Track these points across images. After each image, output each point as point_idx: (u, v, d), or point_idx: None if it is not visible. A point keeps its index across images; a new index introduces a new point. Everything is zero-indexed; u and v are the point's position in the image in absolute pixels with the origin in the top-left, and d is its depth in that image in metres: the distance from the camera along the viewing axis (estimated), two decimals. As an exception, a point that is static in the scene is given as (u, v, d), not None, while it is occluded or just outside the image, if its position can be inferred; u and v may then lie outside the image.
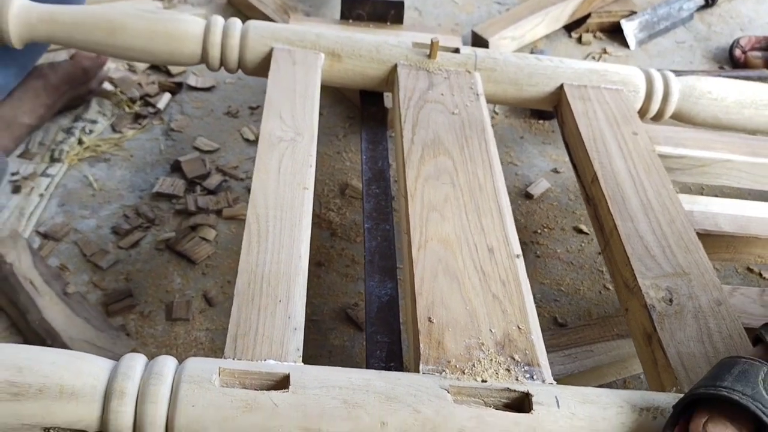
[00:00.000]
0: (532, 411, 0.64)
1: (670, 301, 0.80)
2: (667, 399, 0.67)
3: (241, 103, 1.38)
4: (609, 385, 0.94)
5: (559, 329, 0.98)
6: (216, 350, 0.95)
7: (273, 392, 0.61)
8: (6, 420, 0.57)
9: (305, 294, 0.75)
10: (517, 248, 0.83)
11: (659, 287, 0.82)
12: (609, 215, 0.91)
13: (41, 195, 1.16)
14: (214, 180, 1.20)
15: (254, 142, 1.28)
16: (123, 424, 0.59)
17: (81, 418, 0.59)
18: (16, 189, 1.16)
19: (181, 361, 0.63)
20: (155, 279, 1.04)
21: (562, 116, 1.11)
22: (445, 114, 1.02)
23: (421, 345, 0.70)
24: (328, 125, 1.33)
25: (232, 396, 0.60)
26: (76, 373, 0.60)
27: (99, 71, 1.32)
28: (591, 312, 1.03)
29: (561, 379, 0.89)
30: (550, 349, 0.93)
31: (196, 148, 1.26)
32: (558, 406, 0.65)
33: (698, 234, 0.91)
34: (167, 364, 0.62)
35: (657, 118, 1.15)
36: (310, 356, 0.94)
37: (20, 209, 1.13)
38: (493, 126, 1.07)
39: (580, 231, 1.16)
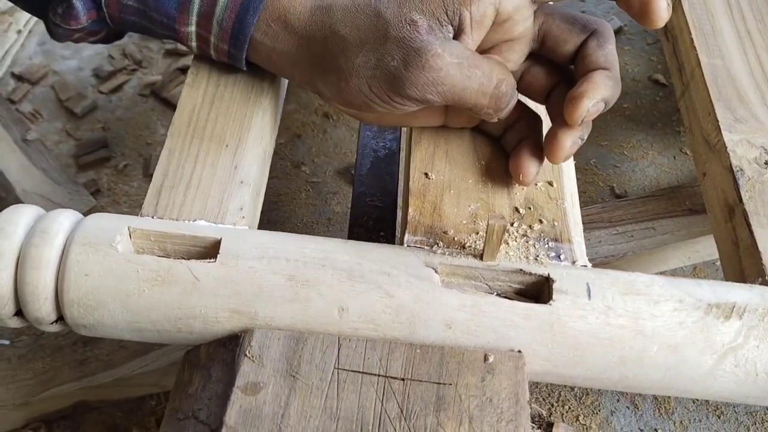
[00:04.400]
0: (551, 301, 0.46)
1: (767, 163, 0.59)
2: (748, 294, 0.48)
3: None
4: (674, 273, 0.74)
5: (614, 201, 0.78)
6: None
7: (195, 261, 0.46)
8: None
9: (269, 140, 0.57)
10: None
11: (752, 144, 0.60)
12: (692, 50, 0.68)
13: (19, 32, 1.01)
14: (213, 16, 1.01)
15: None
16: (-1, 293, 0.45)
17: (-55, 284, 0.45)
18: (-7, 25, 1.02)
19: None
20: (135, 129, 0.89)
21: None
22: None
23: (410, 208, 0.52)
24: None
25: (139, 264, 0.45)
26: (-60, 227, 0.46)
27: None
28: (660, 182, 0.82)
29: (610, 263, 0.70)
30: (599, 224, 0.74)
31: (197, -20, 1.07)
32: (589, 296, 0.47)
33: (815, 78, 0.67)
34: (58, 220, 0.47)
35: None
36: (306, 224, 0.79)
37: (-5, 47, 0.99)
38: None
39: (657, 82, 0.93)
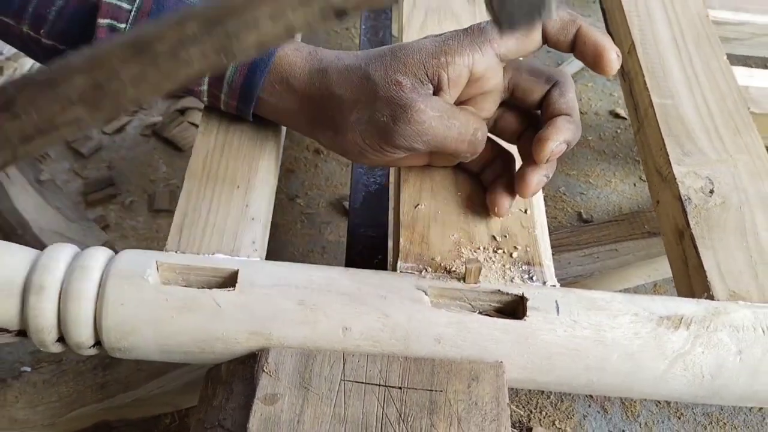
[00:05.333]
0: (525, 317, 0.54)
1: (711, 192, 0.67)
2: (695, 308, 0.56)
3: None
4: (636, 290, 0.82)
5: (581, 226, 0.86)
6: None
7: (216, 290, 0.53)
8: None
9: (273, 181, 0.65)
10: (528, 129, 0.70)
11: (698, 175, 0.68)
12: (645, 91, 0.76)
13: (24, 77, 1.07)
14: (208, 60, 1.08)
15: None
16: (44, 323, 0.51)
17: (-4, 315, 0.51)
18: (-1, 70, 1.08)
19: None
20: (139, 167, 0.96)
21: (601, -22, 0.94)
22: (457, -26, 0.86)
23: (401, 238, 0.60)
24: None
25: (168, 294, 0.52)
26: (-10, 264, 0.52)
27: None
28: (622, 207, 0.90)
29: (578, 282, 0.78)
30: (568, 247, 0.82)
31: (191, 25, 1.15)
32: (558, 312, 0.54)
33: (754, 114, 0.76)
34: (95, 256, 0.53)
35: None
36: (302, 253, 0.86)
37: (2, 92, 1.05)
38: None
39: (617, 115, 1.02)
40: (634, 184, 0.93)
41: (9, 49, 1.11)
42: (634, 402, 0.72)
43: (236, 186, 0.61)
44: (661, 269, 0.82)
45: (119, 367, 0.72)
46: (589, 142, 0.98)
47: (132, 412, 0.72)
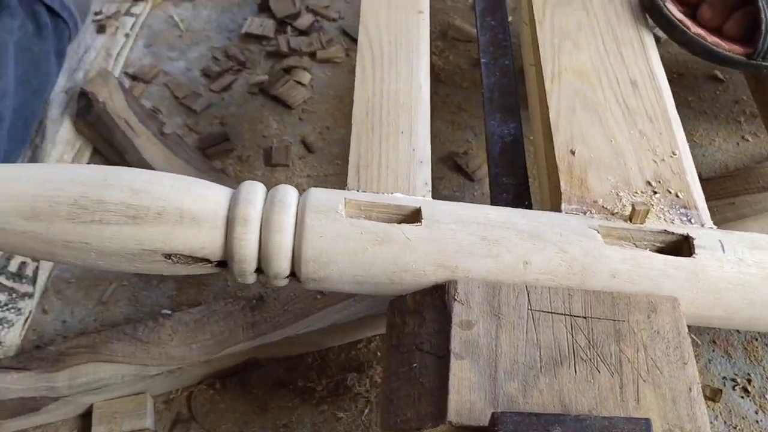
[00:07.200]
0: (694, 255, 0.56)
1: None
2: None
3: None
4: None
5: (693, 181, 0.88)
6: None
7: (405, 225, 0.55)
8: (126, 244, 0.53)
9: (429, 127, 0.67)
10: (664, 82, 0.73)
11: (832, 128, 0.71)
12: None
13: (127, 35, 1.09)
14: (306, 20, 1.11)
15: (347, -20, 1.17)
16: (248, 253, 0.54)
17: (203, 245, 0.54)
18: (101, 29, 1.10)
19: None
20: (251, 123, 0.98)
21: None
22: (574, -67, 0.88)
23: (561, 182, 0.62)
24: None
25: (362, 228, 0.55)
26: (196, 197, 0.55)
27: None
28: (728, 165, 0.93)
29: (697, 233, 0.80)
30: (684, 201, 0.84)
31: (285, -13, 1.17)
32: (723, 250, 0.57)
33: None
34: (289, 192, 0.56)
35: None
36: (418, 205, 0.88)
37: (106, 49, 1.07)
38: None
39: (715, 77, 1.03)
40: (737, 143, 0.95)
41: (107, 8, 1.13)
42: (757, 346, 0.75)
43: (401, 131, 0.64)
44: (779, 223, 0.84)
45: (267, 308, 0.75)
46: (689, 102, 1.00)
47: (280, 350, 0.76)
